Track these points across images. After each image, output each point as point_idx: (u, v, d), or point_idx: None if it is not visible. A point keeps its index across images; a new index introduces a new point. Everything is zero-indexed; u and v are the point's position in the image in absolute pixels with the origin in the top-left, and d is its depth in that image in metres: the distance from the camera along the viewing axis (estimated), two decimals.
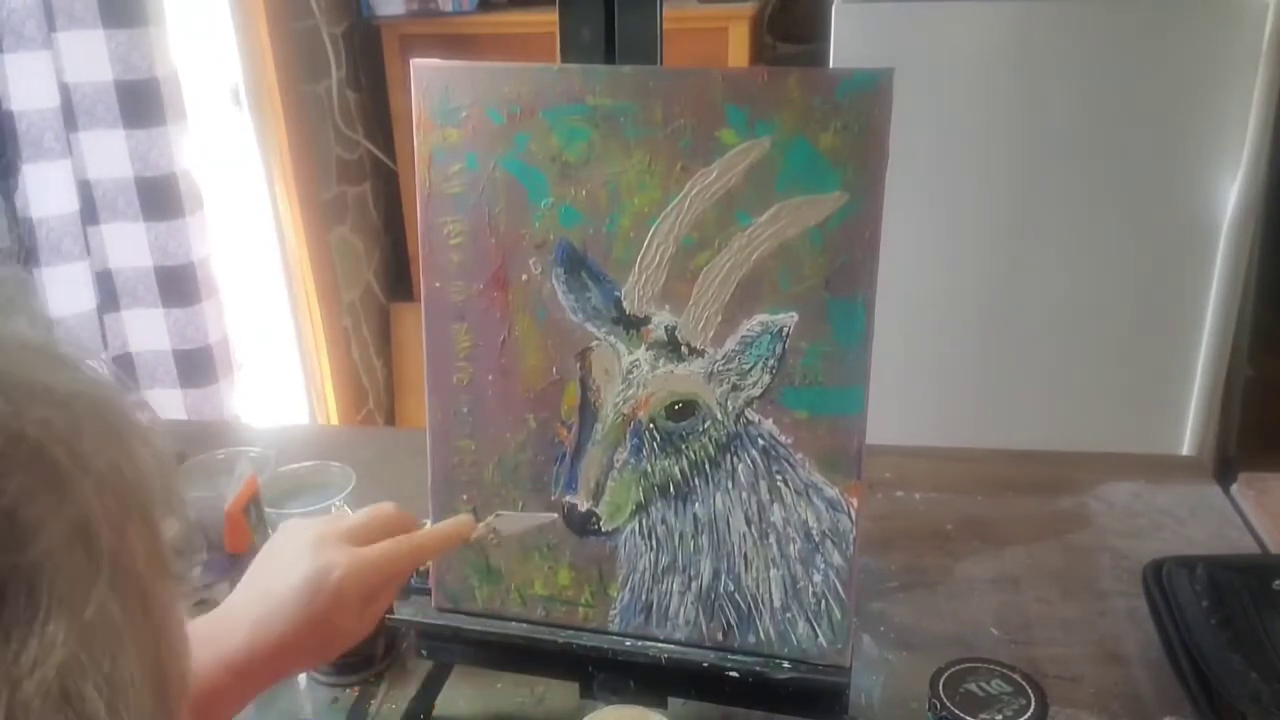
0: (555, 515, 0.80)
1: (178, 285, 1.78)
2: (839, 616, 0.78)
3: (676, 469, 0.79)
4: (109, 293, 1.75)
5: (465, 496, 0.84)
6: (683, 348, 0.77)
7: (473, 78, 0.78)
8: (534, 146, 0.77)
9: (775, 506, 0.78)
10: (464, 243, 0.80)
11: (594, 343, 0.79)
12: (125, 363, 1.81)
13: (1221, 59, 1.76)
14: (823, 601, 0.78)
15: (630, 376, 0.79)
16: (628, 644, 0.81)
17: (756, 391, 0.77)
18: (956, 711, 0.71)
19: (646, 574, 0.81)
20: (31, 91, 1.49)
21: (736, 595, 0.79)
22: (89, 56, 1.60)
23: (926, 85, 1.82)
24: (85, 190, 1.65)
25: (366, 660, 0.89)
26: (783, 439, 0.77)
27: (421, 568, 1.00)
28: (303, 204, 2.32)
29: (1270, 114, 1.76)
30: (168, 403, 1.82)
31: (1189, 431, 1.95)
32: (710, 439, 0.78)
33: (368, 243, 2.68)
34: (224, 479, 0.98)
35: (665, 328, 0.77)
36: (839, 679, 0.77)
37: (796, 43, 2.66)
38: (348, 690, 0.89)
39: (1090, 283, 1.90)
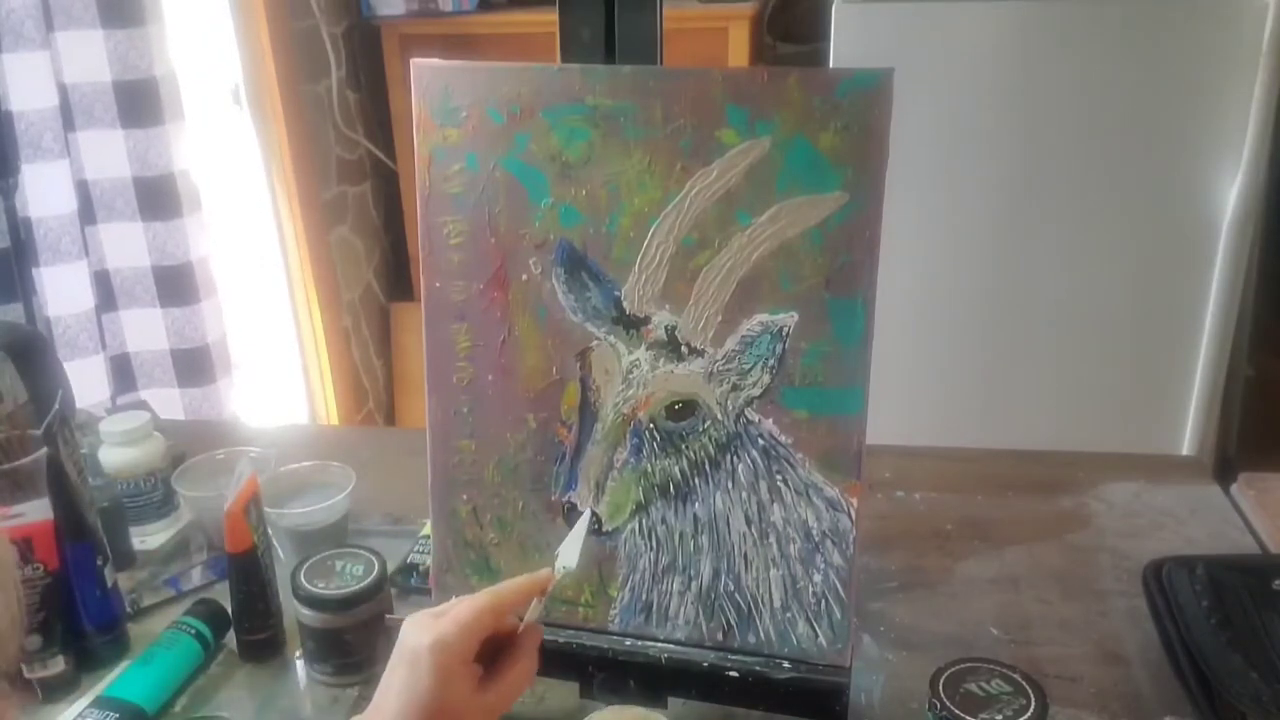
0: (589, 510, 0.80)
1: (175, 285, 1.78)
2: (839, 616, 0.78)
3: (676, 469, 0.79)
4: (107, 292, 1.75)
5: (465, 496, 0.84)
6: (683, 348, 0.77)
7: (473, 78, 0.78)
8: (534, 146, 0.77)
9: (775, 506, 0.78)
10: (464, 243, 0.80)
11: (594, 343, 0.79)
12: (123, 362, 1.81)
13: (1221, 59, 1.75)
14: (823, 601, 0.78)
15: (630, 376, 0.79)
16: (628, 644, 0.81)
17: (756, 391, 0.77)
18: (956, 711, 0.71)
19: (646, 574, 0.81)
20: (30, 91, 1.49)
21: (736, 595, 0.79)
22: (88, 56, 1.60)
23: (926, 85, 1.82)
24: (83, 190, 1.65)
25: (366, 660, 0.89)
26: (783, 439, 0.77)
27: (419, 579, 1.00)
28: (303, 204, 2.32)
29: (1270, 114, 1.76)
30: (166, 402, 1.82)
31: (1189, 431, 1.95)
32: (710, 439, 0.78)
33: (368, 243, 2.68)
34: (224, 479, 0.98)
35: (665, 327, 0.77)
36: (839, 679, 0.77)
37: (796, 43, 2.66)
38: (348, 690, 0.89)
39: (1090, 283, 1.90)
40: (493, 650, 0.71)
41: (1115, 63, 1.79)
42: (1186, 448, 1.94)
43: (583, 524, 0.78)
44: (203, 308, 1.81)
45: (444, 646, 0.66)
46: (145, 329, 1.80)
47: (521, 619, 0.73)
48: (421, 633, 0.67)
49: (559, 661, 0.82)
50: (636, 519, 0.81)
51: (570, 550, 0.76)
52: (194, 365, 1.84)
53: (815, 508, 0.77)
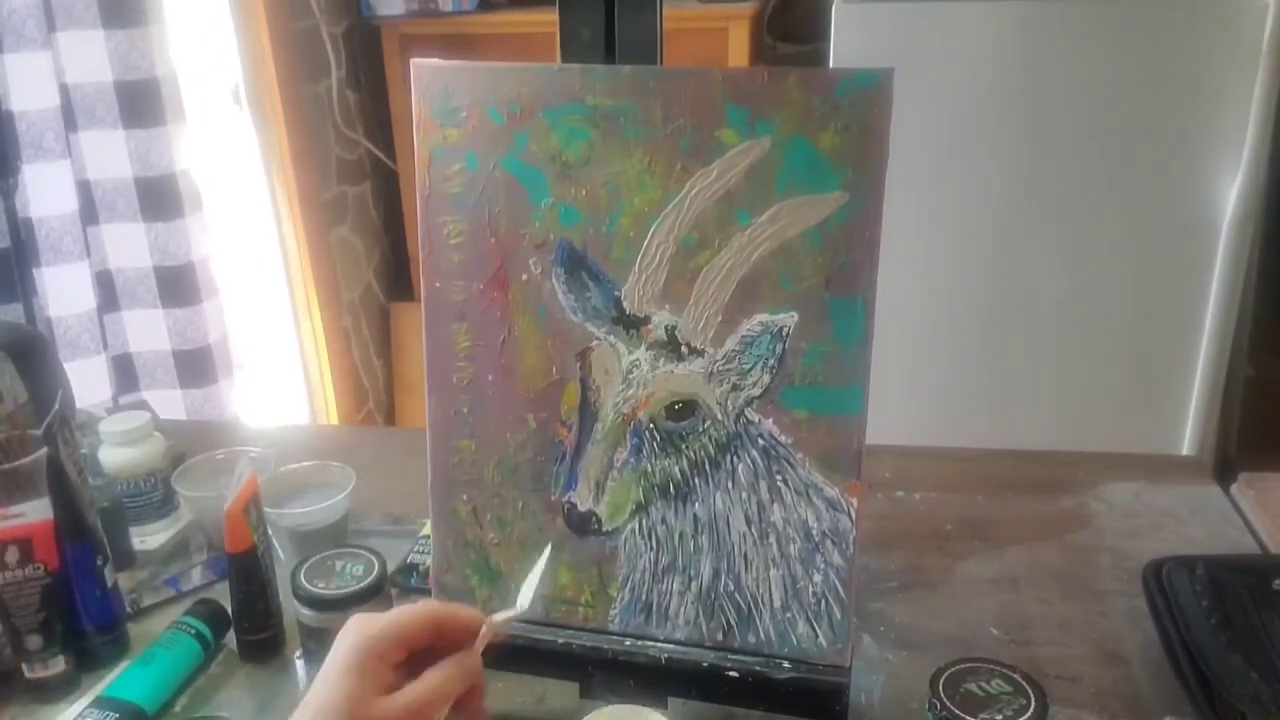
0: (548, 547, 0.78)
1: (177, 285, 1.78)
2: (839, 616, 0.78)
3: (676, 469, 0.79)
4: (109, 293, 1.75)
5: (465, 496, 0.84)
6: (683, 348, 0.77)
7: (473, 78, 0.78)
8: (534, 146, 0.77)
9: (775, 506, 0.78)
10: (464, 243, 0.80)
11: (594, 343, 0.79)
12: (125, 363, 1.81)
13: (1221, 59, 1.76)
14: (823, 601, 0.78)
15: (630, 376, 0.79)
16: (627, 644, 0.81)
17: (756, 391, 0.77)
18: (956, 711, 0.71)
19: (646, 574, 0.81)
20: (31, 91, 1.49)
21: (736, 595, 0.79)
22: (89, 56, 1.60)
23: (926, 85, 1.82)
24: (85, 190, 1.65)
25: None
26: (783, 439, 0.77)
27: (417, 576, 1.00)
28: (303, 204, 2.32)
29: (1270, 114, 1.76)
30: (168, 403, 1.82)
31: (1189, 431, 1.95)
32: (710, 439, 0.78)
33: (368, 243, 2.68)
34: (224, 479, 0.98)
35: (665, 327, 0.77)
36: (839, 679, 0.77)
37: (796, 43, 2.66)
38: None
39: (1090, 283, 1.90)
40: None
41: (1115, 63, 1.79)
42: (1186, 448, 1.94)
43: (540, 565, 0.74)
44: (204, 308, 1.82)
45: (361, 646, 0.63)
46: (147, 329, 1.80)
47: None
48: (350, 630, 0.64)
49: (559, 661, 0.82)
50: (636, 519, 0.81)
51: (526, 592, 0.72)
52: (196, 366, 1.84)
53: (815, 508, 0.77)
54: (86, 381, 1.61)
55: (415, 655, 0.66)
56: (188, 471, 1.10)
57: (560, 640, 0.82)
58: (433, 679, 0.64)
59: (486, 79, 0.78)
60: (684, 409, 0.78)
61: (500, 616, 0.69)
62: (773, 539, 0.78)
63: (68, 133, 1.56)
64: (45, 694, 0.88)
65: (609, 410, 0.80)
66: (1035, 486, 1.15)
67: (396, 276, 2.81)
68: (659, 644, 0.81)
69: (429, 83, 0.79)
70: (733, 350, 0.77)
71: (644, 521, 0.80)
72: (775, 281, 0.75)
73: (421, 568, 1.01)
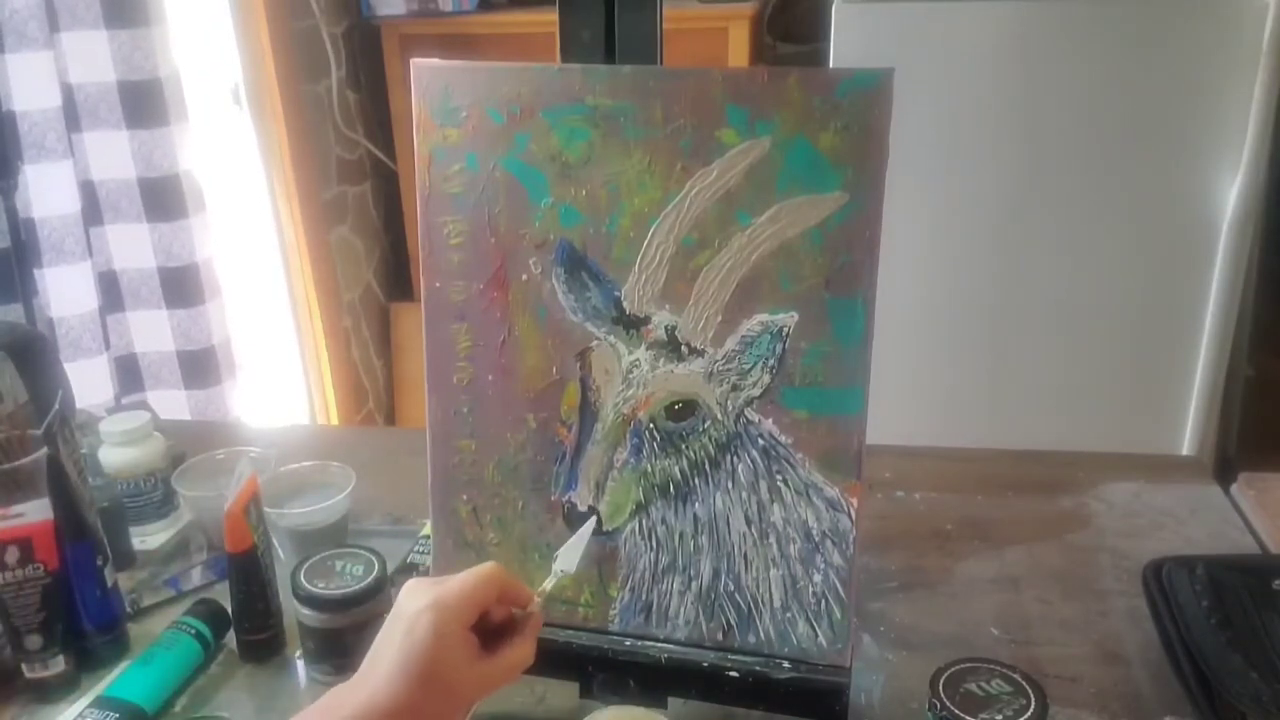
0: (594, 517, 0.80)
1: (181, 286, 1.78)
2: (839, 616, 0.78)
3: (676, 469, 0.79)
4: (113, 293, 1.75)
5: (465, 496, 0.84)
6: (683, 347, 0.77)
7: (473, 78, 0.78)
8: (534, 146, 0.77)
9: (775, 506, 0.78)
10: (464, 243, 0.80)
11: (594, 343, 0.79)
12: (130, 364, 1.81)
13: (1221, 59, 1.76)
14: (823, 601, 0.78)
15: (630, 376, 0.79)
16: (628, 644, 0.81)
17: (756, 391, 0.77)
18: (956, 711, 0.71)
19: (646, 574, 0.81)
20: (34, 92, 1.49)
21: (736, 595, 0.79)
22: (91, 57, 1.60)
23: (926, 85, 1.82)
24: (88, 191, 1.66)
25: None
26: (783, 439, 0.77)
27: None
28: (303, 204, 2.32)
29: (1270, 114, 1.76)
30: (172, 404, 1.82)
31: (1189, 431, 1.95)
32: (710, 439, 0.78)
33: (368, 243, 2.68)
34: (224, 479, 0.98)
35: (665, 327, 0.77)
36: (839, 679, 0.77)
37: (796, 43, 2.66)
38: None
39: (1090, 283, 1.90)
40: (488, 632, 0.71)
41: (1115, 63, 1.79)
42: (1186, 448, 1.94)
43: (587, 529, 0.78)
44: (208, 309, 1.82)
45: (443, 607, 0.66)
46: (151, 330, 1.80)
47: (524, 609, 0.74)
48: (421, 595, 0.67)
49: (559, 661, 0.82)
50: (636, 519, 0.81)
51: (570, 555, 0.77)
52: (199, 367, 1.84)
53: (815, 508, 0.77)
54: (89, 382, 1.61)
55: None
56: (188, 471, 1.10)
57: (560, 640, 0.82)
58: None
59: (486, 79, 0.78)
60: (684, 409, 0.78)
61: (549, 585, 0.76)
62: (773, 539, 0.78)
63: (70, 133, 1.56)
64: (45, 694, 0.88)
65: (609, 410, 0.80)
66: (1035, 486, 1.15)
67: (396, 276, 2.81)
68: (659, 644, 0.81)
69: (429, 83, 0.79)
70: (733, 350, 0.77)
71: (644, 521, 0.81)
72: (775, 281, 0.75)
73: (421, 568, 1.01)
